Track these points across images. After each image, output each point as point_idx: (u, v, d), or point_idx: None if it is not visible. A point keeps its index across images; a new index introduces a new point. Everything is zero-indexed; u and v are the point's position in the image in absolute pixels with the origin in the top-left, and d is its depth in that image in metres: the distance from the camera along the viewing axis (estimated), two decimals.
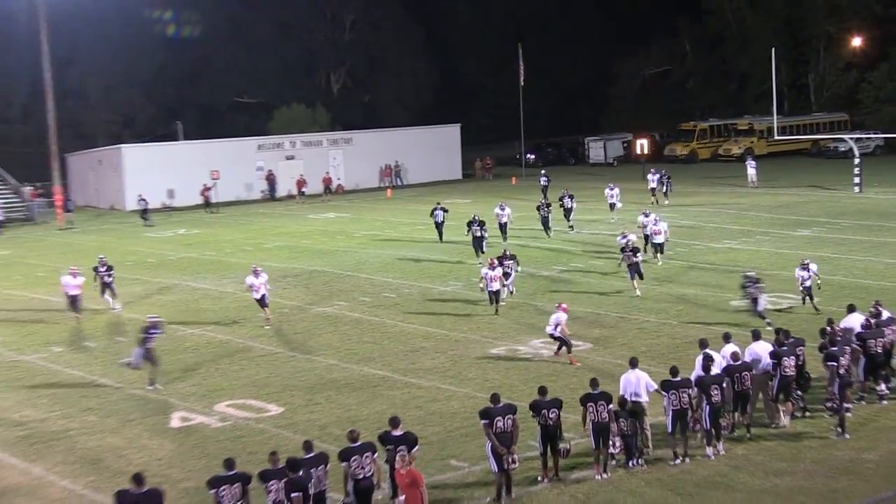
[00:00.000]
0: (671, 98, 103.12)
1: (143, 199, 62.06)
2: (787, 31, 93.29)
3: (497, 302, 31.24)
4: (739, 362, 19.99)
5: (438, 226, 46.48)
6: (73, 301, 33.40)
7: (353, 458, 16.15)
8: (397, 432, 16.79)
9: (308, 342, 29.18)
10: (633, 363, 19.91)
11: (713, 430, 18.95)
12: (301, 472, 15.51)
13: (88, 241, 54.75)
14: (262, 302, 30.82)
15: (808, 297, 29.44)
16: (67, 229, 60.55)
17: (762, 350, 20.70)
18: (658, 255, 38.54)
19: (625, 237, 34.97)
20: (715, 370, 19.50)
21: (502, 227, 44.66)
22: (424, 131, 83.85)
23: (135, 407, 23.73)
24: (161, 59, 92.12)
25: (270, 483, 15.50)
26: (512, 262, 33.26)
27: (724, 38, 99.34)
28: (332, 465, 16.28)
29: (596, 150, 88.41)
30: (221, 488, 15.21)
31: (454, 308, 32.75)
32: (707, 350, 20.30)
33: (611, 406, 18.37)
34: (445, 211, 46.80)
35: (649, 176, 58.46)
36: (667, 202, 56.24)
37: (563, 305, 26.46)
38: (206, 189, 67.84)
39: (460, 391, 23.80)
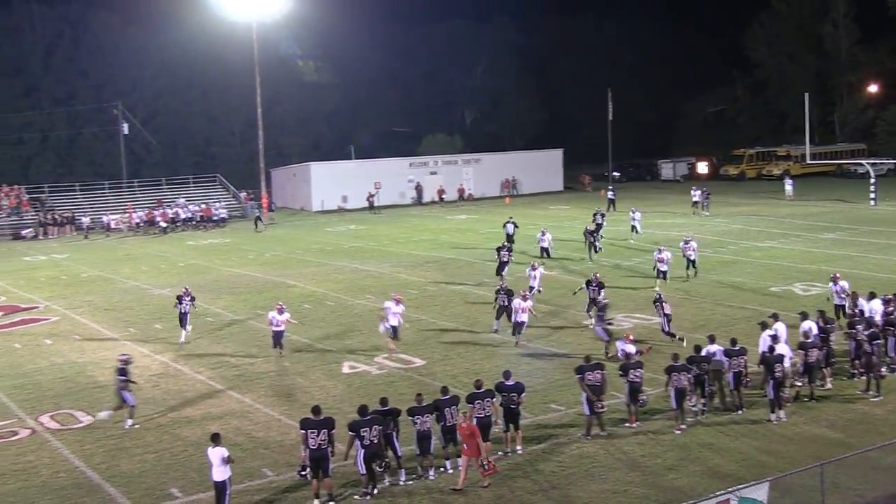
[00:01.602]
0: (726, 130, 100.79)
1: (258, 208, 61.15)
2: (817, 80, 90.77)
3: (395, 336, 23.81)
4: (810, 339, 19.23)
5: (509, 237, 41.78)
6: (277, 337, 24.27)
7: (477, 401, 16.24)
8: (510, 382, 16.79)
9: (444, 311, 29.37)
10: (712, 339, 19.46)
11: (778, 400, 17.94)
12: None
13: (285, 233, 55.87)
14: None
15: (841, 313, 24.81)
16: (270, 224, 61.89)
17: (809, 327, 20.03)
18: (690, 270, 33.72)
19: (660, 251, 32.39)
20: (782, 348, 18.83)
21: (544, 251, 39.09)
22: (535, 154, 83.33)
23: (316, 357, 24.19)
24: (338, 98, 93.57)
25: (416, 417, 15.66)
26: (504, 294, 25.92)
27: (768, 85, 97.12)
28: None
29: (666, 169, 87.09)
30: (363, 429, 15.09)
31: (555, 287, 32.60)
32: (769, 331, 19.65)
33: (689, 375, 17.82)
34: (516, 225, 43.42)
35: (692, 191, 56.94)
36: (706, 213, 54.44)
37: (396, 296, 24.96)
38: (371, 196, 68.71)
39: (560, 352, 23.71)
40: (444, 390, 16.49)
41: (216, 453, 14.33)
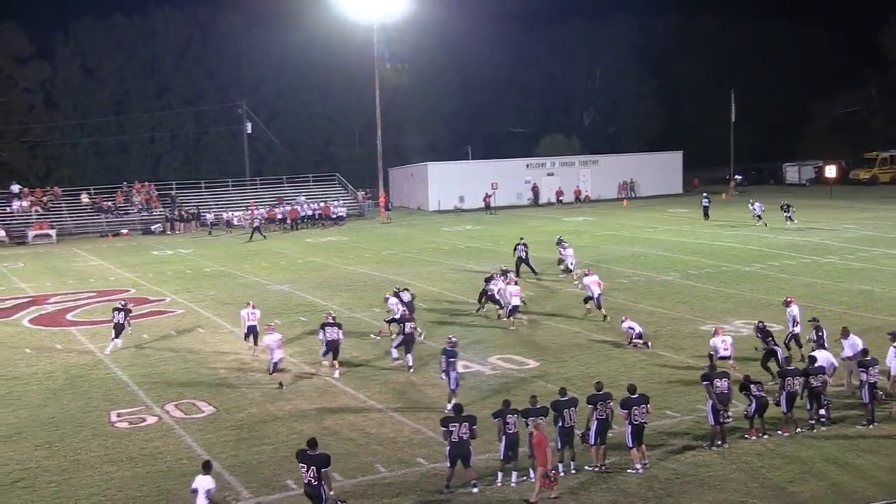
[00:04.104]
0: (856, 132, 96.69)
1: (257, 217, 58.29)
2: None
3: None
4: None
5: (519, 261, 35.89)
6: (251, 330, 24.71)
7: (599, 403, 16.08)
8: (635, 395, 16.26)
9: (560, 313, 29.19)
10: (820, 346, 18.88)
11: None
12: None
13: (401, 231, 56.56)
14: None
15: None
16: (387, 223, 62.75)
17: None
18: None
19: None
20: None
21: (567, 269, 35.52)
22: (653, 156, 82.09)
23: (430, 354, 24.35)
24: (457, 100, 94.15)
25: (530, 419, 15.57)
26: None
27: None
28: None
29: (791, 173, 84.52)
30: (451, 425, 15.17)
31: (673, 292, 32.06)
32: None
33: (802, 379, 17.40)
34: (526, 247, 36.77)
35: (750, 205, 52.38)
36: (789, 224, 49.54)
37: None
38: (488, 196, 68.87)
39: (676, 357, 23.26)
40: (563, 391, 16.36)
41: (203, 482, 13.62)
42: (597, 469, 15.87)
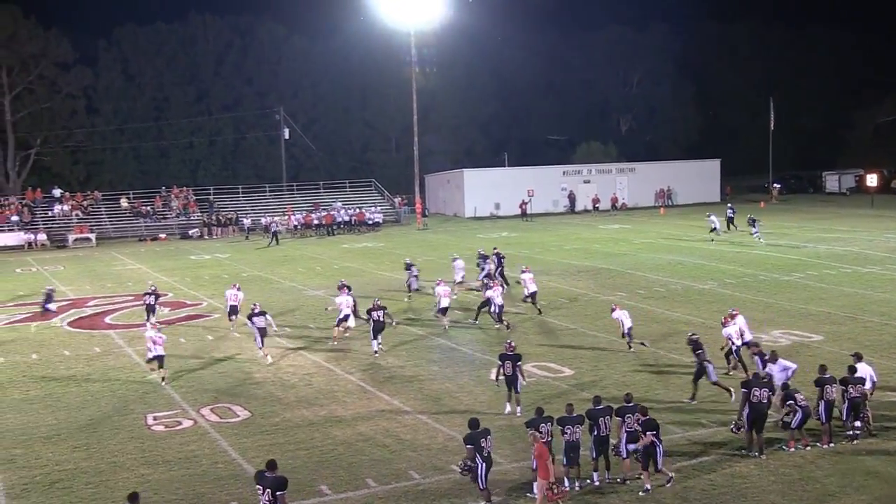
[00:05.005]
0: None
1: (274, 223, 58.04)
2: None
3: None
4: None
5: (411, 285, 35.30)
6: (233, 311, 28.74)
7: (627, 415, 15.94)
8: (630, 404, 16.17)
9: (595, 322, 29.00)
10: (858, 357, 18.55)
11: None
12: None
13: (437, 238, 56.59)
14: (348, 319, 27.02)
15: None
16: (423, 230, 62.82)
17: None
18: None
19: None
20: None
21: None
22: (691, 164, 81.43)
23: (464, 362, 24.30)
24: (493, 106, 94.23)
25: (566, 427, 15.47)
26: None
27: None
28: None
29: (832, 181, 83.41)
30: (481, 440, 14.78)
31: (709, 301, 31.73)
32: None
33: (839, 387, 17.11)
34: (412, 267, 35.60)
35: (711, 217, 50.45)
36: (761, 241, 47.34)
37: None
38: (524, 203, 68.74)
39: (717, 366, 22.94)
40: (597, 400, 16.22)
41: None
42: (627, 481, 15.69)
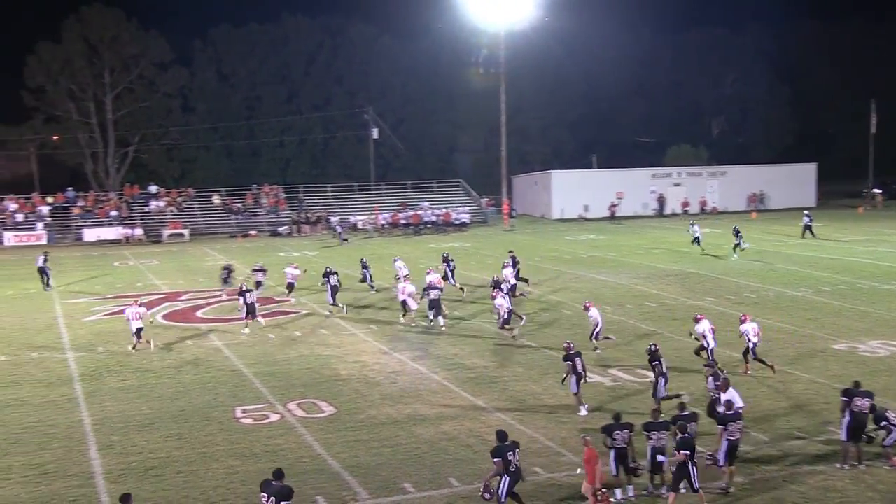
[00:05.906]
0: None
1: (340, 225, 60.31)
2: None
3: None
4: None
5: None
6: (290, 287, 34.89)
7: (730, 423, 15.52)
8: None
9: (683, 327, 28.53)
10: None
11: None
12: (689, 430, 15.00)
13: (524, 239, 56.45)
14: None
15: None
16: (510, 230, 62.77)
17: None
18: None
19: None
20: None
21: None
22: (785, 168, 79.45)
23: (550, 364, 24.20)
24: (583, 107, 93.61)
25: (652, 433, 15.35)
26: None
27: None
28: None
29: None
30: (615, 432, 15.21)
31: (803, 308, 30.96)
32: None
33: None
34: (335, 273, 32.73)
35: (695, 227, 48.63)
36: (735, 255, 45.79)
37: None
38: (613, 206, 68.18)
39: (805, 376, 22.42)
40: (682, 407, 16.06)
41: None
42: (723, 489, 15.43)
